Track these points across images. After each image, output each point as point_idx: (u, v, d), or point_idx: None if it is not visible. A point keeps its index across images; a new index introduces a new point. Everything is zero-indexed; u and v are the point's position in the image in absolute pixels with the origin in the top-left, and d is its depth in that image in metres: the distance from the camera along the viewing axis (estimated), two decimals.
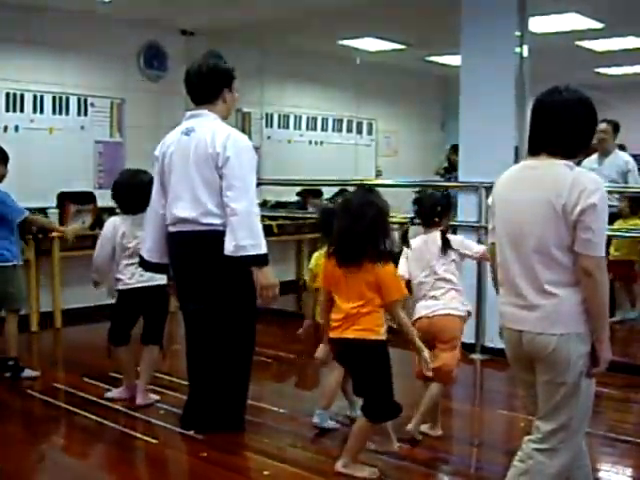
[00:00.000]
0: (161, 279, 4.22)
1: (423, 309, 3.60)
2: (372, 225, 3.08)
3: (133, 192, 4.19)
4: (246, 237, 3.49)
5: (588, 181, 2.33)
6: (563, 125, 2.41)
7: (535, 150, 2.48)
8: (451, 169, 8.20)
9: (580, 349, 2.36)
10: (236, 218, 3.50)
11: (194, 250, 3.68)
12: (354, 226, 3.08)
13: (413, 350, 3.29)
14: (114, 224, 4.27)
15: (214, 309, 3.70)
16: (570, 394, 2.38)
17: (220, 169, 3.55)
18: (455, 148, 8.11)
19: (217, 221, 3.59)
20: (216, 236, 3.56)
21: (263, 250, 3.55)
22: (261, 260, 3.56)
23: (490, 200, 2.65)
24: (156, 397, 4.33)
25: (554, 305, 2.36)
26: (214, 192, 3.58)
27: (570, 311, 2.36)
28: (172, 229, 3.75)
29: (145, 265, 3.98)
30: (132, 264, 4.18)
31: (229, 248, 3.51)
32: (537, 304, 2.39)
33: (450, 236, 3.74)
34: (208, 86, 3.71)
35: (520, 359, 2.51)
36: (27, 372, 4.82)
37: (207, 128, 3.62)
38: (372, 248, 3.08)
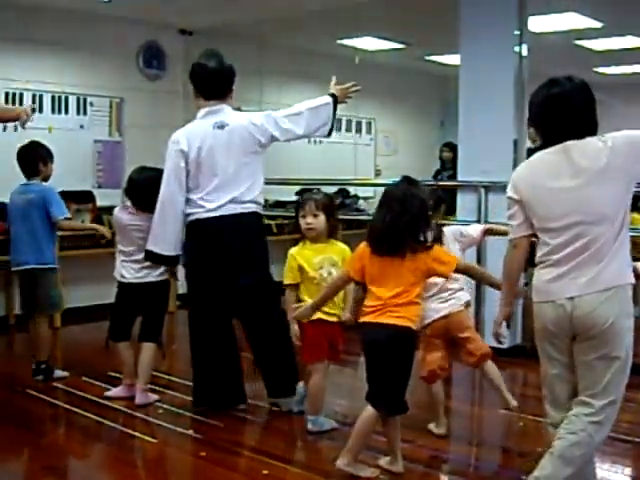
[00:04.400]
0: (158, 276, 4.25)
1: (434, 312, 3.60)
2: (415, 218, 3.12)
3: (148, 190, 4.18)
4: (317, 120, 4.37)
5: (618, 135, 2.53)
6: (580, 111, 2.54)
7: (558, 140, 2.55)
8: (442, 168, 8.16)
9: (628, 324, 2.49)
10: (301, 126, 4.17)
11: (239, 229, 3.90)
12: (398, 219, 3.11)
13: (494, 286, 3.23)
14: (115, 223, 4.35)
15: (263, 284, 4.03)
16: (622, 369, 2.50)
17: (266, 138, 3.96)
18: (447, 145, 8.10)
19: (259, 201, 4.00)
20: (257, 217, 4.00)
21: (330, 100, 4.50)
22: (335, 102, 4.53)
23: (513, 194, 2.66)
24: (155, 397, 4.33)
25: (604, 265, 2.46)
26: (258, 173, 3.99)
27: (618, 264, 2.47)
28: (213, 214, 3.90)
29: (157, 259, 4.09)
30: (126, 260, 4.26)
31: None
32: (595, 271, 2.47)
33: (446, 229, 3.75)
34: (225, 83, 4.01)
35: (560, 336, 2.55)
36: (57, 373, 4.81)
37: (234, 118, 3.97)
38: (414, 239, 3.13)
